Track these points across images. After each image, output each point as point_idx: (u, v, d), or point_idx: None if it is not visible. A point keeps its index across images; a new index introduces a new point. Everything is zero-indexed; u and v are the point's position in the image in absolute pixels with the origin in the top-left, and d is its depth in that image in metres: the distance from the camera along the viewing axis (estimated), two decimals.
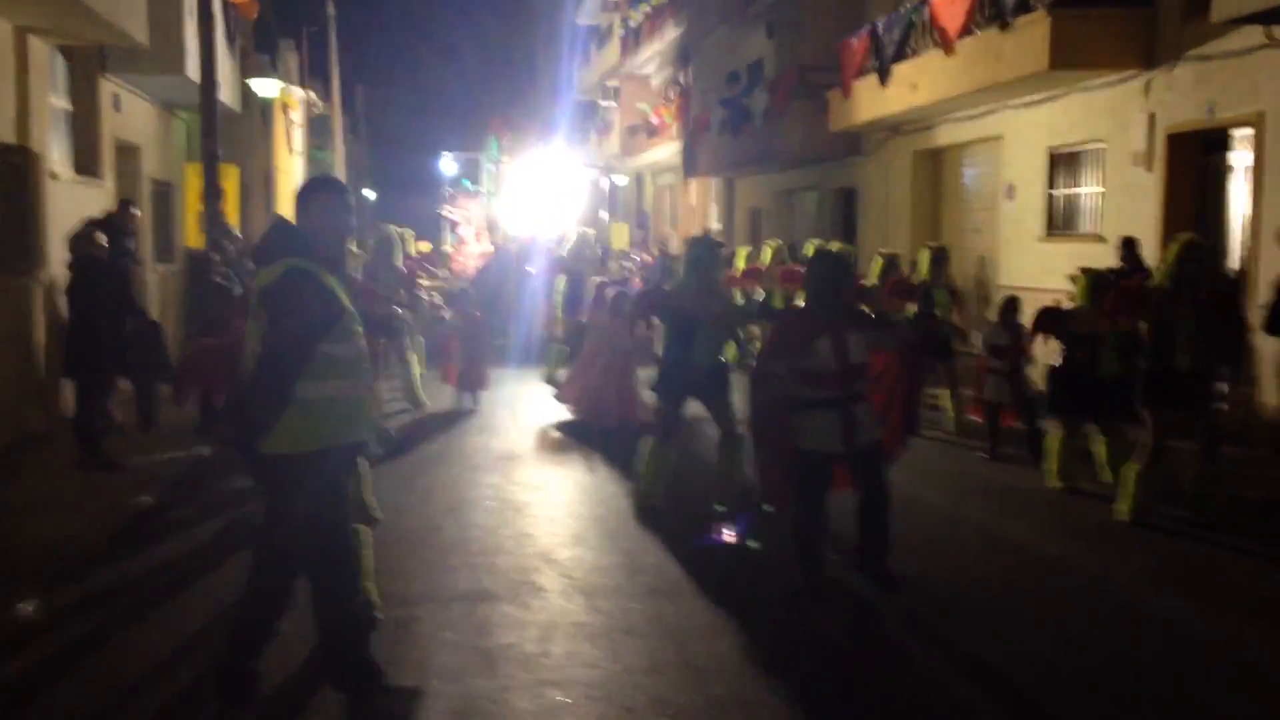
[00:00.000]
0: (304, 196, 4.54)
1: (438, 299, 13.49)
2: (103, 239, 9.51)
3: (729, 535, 7.04)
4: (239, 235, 13.21)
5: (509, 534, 7.31)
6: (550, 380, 14.14)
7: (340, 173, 32.55)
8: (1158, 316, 7.46)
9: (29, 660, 5.13)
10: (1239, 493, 7.96)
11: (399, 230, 12.35)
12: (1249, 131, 10.77)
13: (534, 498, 8.36)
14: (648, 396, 10.82)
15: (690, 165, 26.56)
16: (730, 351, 13.22)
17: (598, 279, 13.43)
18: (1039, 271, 14.10)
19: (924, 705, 4.71)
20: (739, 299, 14.87)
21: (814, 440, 5.86)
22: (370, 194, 59.65)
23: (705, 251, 8.20)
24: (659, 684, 4.82)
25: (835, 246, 13.96)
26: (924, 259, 10.95)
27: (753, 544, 6.88)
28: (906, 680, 4.98)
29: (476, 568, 6.53)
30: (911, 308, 11.09)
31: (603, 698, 4.68)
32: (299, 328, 4.25)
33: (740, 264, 16.43)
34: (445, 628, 5.50)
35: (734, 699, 4.67)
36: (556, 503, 8.21)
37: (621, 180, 36.53)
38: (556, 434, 11.16)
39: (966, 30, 13.51)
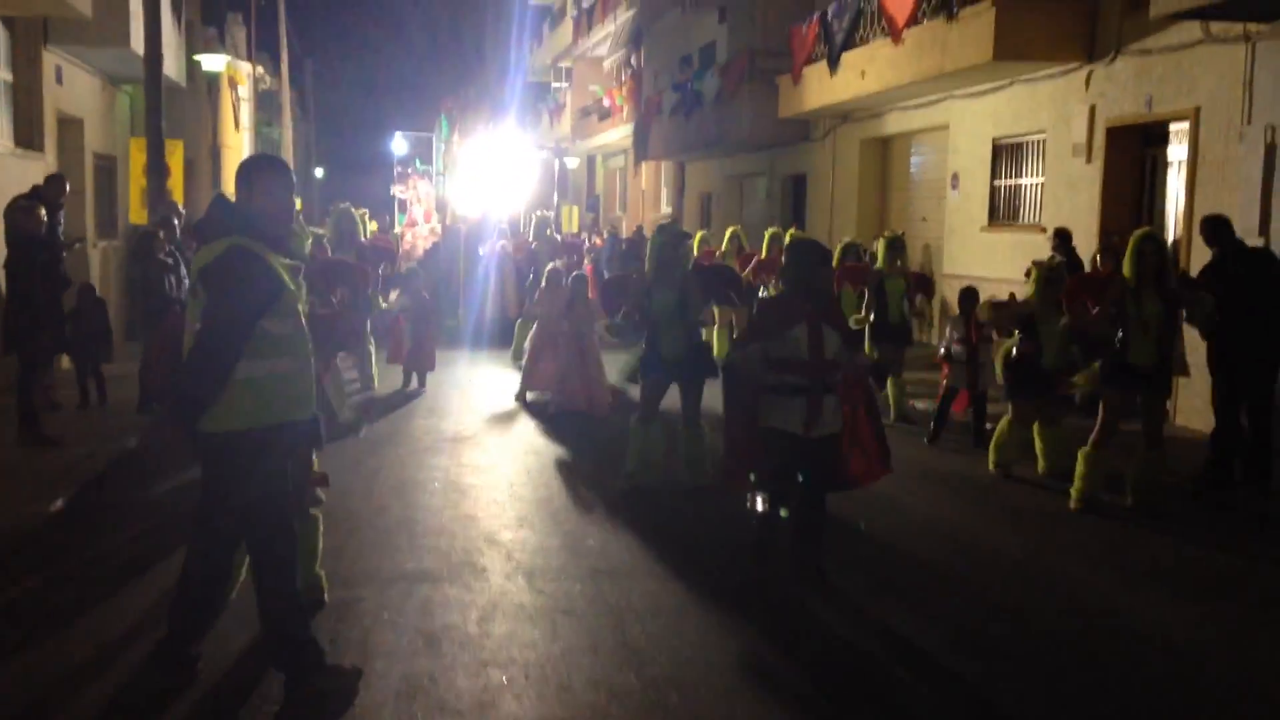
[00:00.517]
0: (247, 175, 4.50)
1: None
2: (42, 213, 9.40)
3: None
4: (183, 211, 13.08)
5: (453, 515, 7.36)
6: (519, 359, 14.14)
7: (288, 150, 32.22)
8: (1118, 306, 7.63)
9: None
10: (1177, 478, 8.20)
11: (356, 210, 12.55)
12: (1186, 125, 11.01)
13: (480, 480, 8.41)
14: (616, 381, 10.90)
15: (641, 149, 26.58)
16: (721, 344, 13.30)
17: (553, 264, 13.41)
18: (982, 261, 14.34)
19: (857, 686, 4.82)
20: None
21: (776, 419, 5.96)
22: (319, 172, 59.05)
23: (671, 240, 8.25)
24: (596, 664, 4.90)
25: (790, 235, 14.06)
26: (880, 247, 11.08)
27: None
28: (841, 661, 5.09)
29: (420, 549, 6.57)
30: (851, 291, 11.25)
31: (540, 677, 4.75)
32: (238, 306, 4.23)
33: (695, 249, 16.47)
34: (387, 608, 5.54)
35: (669, 679, 4.75)
36: (502, 485, 8.25)
37: (573, 163, 36.47)
38: (505, 416, 11.19)
39: (914, 19, 13.67)
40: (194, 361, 4.27)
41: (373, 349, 12.46)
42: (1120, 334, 7.67)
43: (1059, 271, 8.94)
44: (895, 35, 14.12)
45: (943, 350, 10.09)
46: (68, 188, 10.98)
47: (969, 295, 10.22)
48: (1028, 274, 8.94)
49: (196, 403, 4.23)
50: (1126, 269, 7.69)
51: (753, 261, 14.03)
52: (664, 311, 7.99)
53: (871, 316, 10.77)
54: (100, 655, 4.93)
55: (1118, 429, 7.83)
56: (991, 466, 8.74)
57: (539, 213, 15.71)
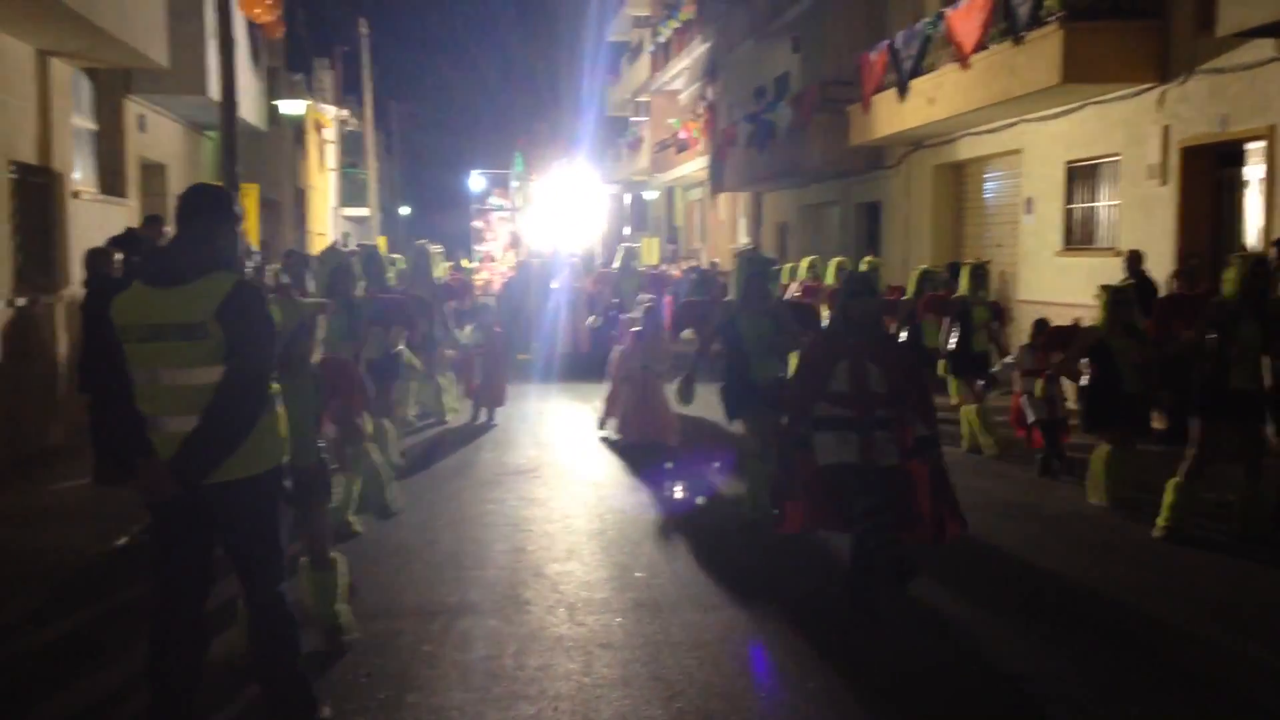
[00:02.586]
0: (218, 208, 4.22)
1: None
2: (119, 257, 9.71)
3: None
4: (257, 253, 13.44)
5: (504, 548, 7.37)
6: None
7: (373, 190, 32.93)
8: (1220, 330, 7.41)
9: (17, 667, 5.26)
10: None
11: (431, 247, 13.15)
12: (1262, 144, 10.69)
13: (535, 512, 8.42)
14: (676, 413, 10.79)
15: (717, 180, 26.65)
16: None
17: (645, 296, 13.15)
18: (1057, 286, 14.04)
19: None
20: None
21: (830, 455, 5.93)
22: (404, 210, 60.32)
23: (759, 268, 8.21)
24: (625, 697, 4.87)
25: (866, 263, 13.96)
26: (964, 274, 10.91)
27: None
28: (875, 699, 4.98)
29: (466, 581, 6.60)
30: (933, 321, 11.10)
31: (569, 710, 4.73)
32: (268, 347, 4.14)
33: (785, 280, 16.36)
34: (426, 641, 5.57)
35: (696, 711, 4.70)
36: (556, 518, 8.25)
37: (652, 195, 36.68)
38: (570, 450, 11.21)
39: (981, 44, 13.51)
40: (232, 408, 3.99)
41: (448, 382, 12.72)
42: (1216, 357, 7.42)
43: (1127, 294, 8.69)
44: (963, 60, 13.97)
45: (997, 368, 9.91)
46: (166, 230, 11.27)
47: (1042, 327, 10.03)
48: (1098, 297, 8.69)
49: (222, 454, 3.98)
50: (1232, 289, 7.44)
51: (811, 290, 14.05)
52: (758, 341, 7.93)
53: (953, 345, 10.61)
54: (139, 684, 5.02)
55: (1209, 461, 7.55)
56: (1092, 497, 8.43)
57: (625, 245, 15.76)
